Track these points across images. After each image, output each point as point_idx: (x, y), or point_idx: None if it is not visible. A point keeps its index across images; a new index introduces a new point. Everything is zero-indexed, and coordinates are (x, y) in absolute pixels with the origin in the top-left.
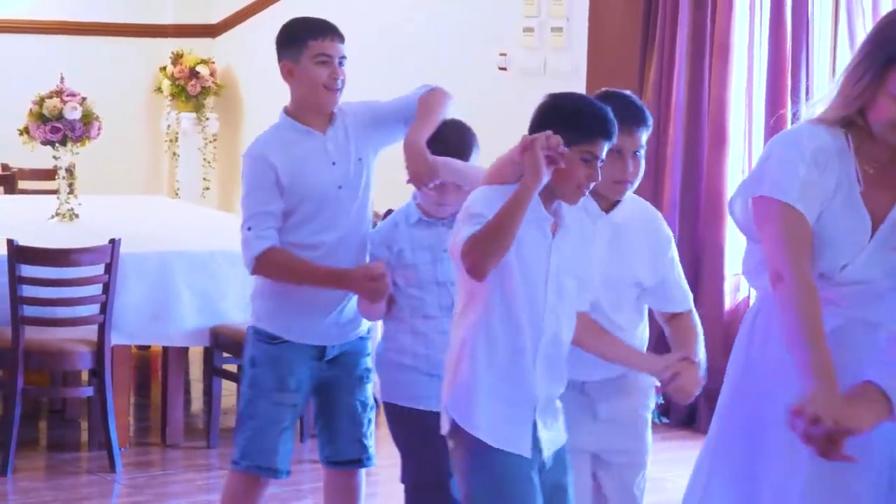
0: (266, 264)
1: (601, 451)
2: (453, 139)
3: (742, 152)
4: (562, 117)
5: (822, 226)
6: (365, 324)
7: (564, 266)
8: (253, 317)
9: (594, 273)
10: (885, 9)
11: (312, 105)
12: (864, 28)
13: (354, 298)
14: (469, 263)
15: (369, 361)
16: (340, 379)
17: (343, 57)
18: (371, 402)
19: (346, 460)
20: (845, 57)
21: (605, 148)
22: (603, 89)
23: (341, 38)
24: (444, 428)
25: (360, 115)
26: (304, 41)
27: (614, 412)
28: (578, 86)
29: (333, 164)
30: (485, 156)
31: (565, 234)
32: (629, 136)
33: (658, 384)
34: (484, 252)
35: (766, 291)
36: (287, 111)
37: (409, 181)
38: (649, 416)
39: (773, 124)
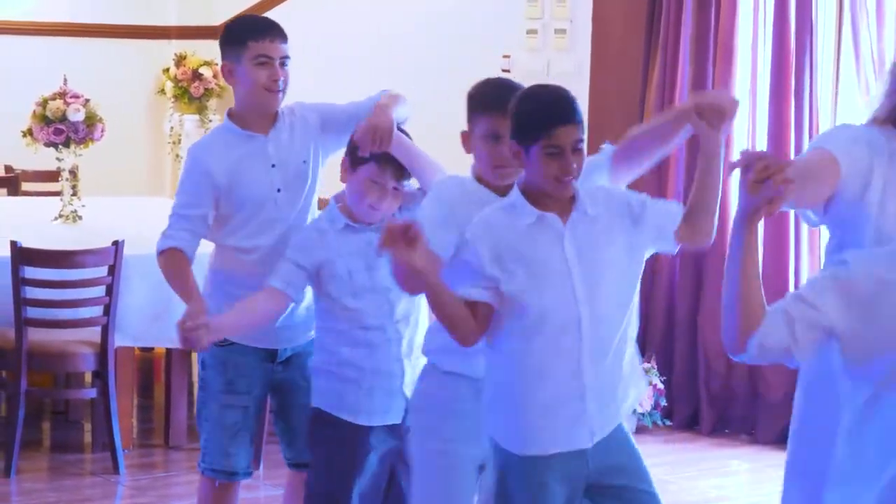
0: (162, 263)
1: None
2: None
3: None
4: (515, 121)
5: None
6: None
7: (589, 247)
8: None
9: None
10: (889, 10)
11: (254, 107)
12: (868, 29)
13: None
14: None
15: None
16: (295, 380)
17: (285, 57)
18: None
19: (307, 462)
20: (849, 58)
21: (573, 133)
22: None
23: (283, 37)
24: None
25: (309, 116)
26: (244, 42)
27: None
28: (582, 87)
29: (273, 166)
30: None
31: (581, 218)
32: (505, 119)
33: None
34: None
35: None
36: (230, 114)
37: (358, 136)
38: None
39: (776, 126)
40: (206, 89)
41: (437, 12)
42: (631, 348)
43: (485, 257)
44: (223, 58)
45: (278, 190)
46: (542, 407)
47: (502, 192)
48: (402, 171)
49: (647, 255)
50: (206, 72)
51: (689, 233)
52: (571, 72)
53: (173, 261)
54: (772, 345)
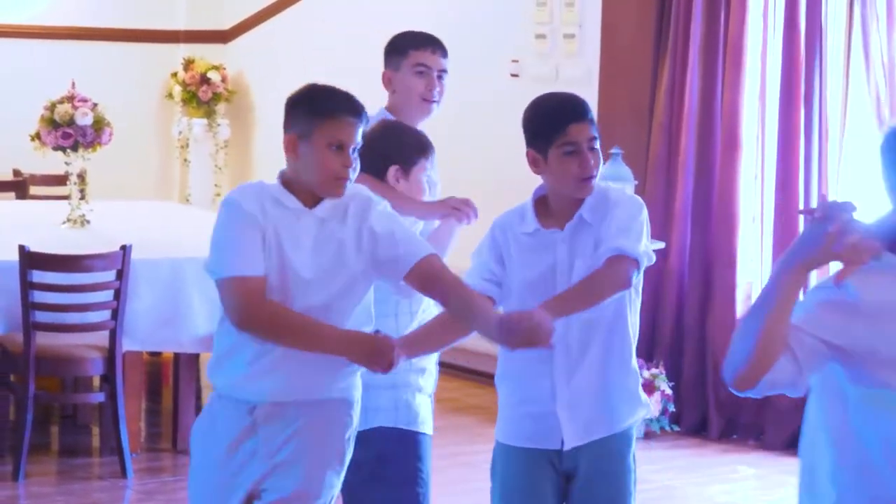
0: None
1: None
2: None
3: (755, 159)
4: (529, 126)
5: None
6: None
7: (580, 255)
8: None
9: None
10: None
11: (406, 113)
12: (878, 34)
13: None
14: None
15: None
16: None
17: (444, 70)
18: None
19: None
20: (859, 63)
21: (587, 129)
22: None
23: (444, 52)
24: None
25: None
26: (406, 50)
27: None
28: (591, 92)
29: None
30: (497, 161)
31: (579, 225)
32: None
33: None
34: None
35: None
36: (387, 108)
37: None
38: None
39: (785, 132)
40: (214, 93)
41: (445, 17)
42: (623, 366)
43: (493, 252)
44: (385, 66)
45: None
46: (516, 403)
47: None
48: None
49: None
50: (214, 76)
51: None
52: (580, 77)
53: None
54: (781, 380)
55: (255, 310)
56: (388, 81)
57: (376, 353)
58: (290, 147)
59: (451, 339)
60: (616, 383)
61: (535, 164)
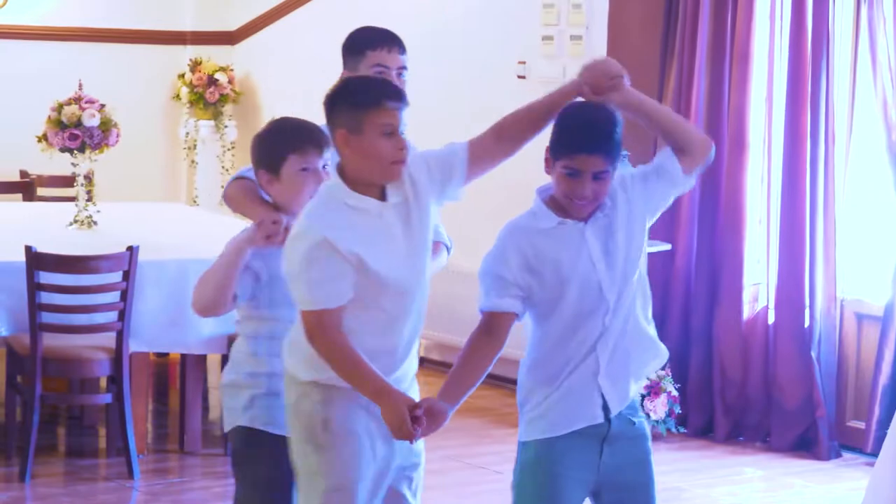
0: None
1: None
2: (266, 151)
3: (762, 160)
4: (553, 131)
5: None
6: None
7: (612, 243)
8: None
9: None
10: None
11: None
12: (885, 35)
13: None
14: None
15: None
16: None
17: (402, 67)
18: None
19: None
20: (866, 64)
21: (596, 162)
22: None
23: (401, 48)
24: None
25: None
26: (363, 50)
27: None
28: None
29: None
30: (506, 163)
31: (602, 215)
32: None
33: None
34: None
35: None
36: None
37: None
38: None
39: (792, 133)
40: (221, 95)
41: (452, 18)
42: (647, 320)
43: (514, 263)
44: (343, 66)
45: None
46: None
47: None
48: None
49: (665, 207)
50: (221, 77)
51: (688, 160)
52: None
53: None
54: None
55: (318, 341)
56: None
57: (399, 429)
58: (343, 143)
59: (487, 365)
60: (644, 340)
61: (546, 164)
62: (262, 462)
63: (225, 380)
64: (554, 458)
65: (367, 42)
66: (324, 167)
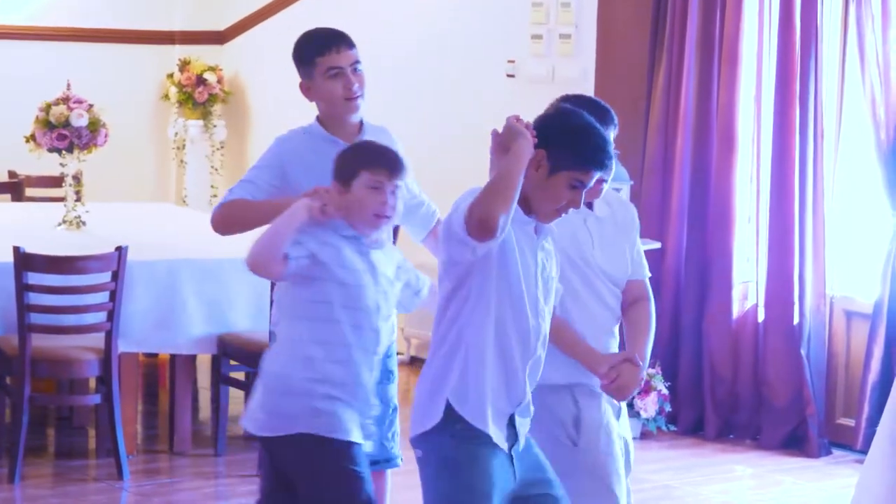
0: (227, 207)
1: None
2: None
3: (751, 158)
4: (561, 138)
5: None
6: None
7: (549, 266)
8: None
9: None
10: (894, 15)
11: (336, 117)
12: (873, 33)
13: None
14: (476, 219)
15: (391, 363)
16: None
17: (356, 62)
18: (395, 402)
19: (376, 461)
20: (854, 63)
21: (595, 178)
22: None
23: (349, 44)
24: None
25: None
26: (312, 59)
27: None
28: (587, 92)
29: None
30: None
31: (547, 235)
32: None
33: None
34: (491, 201)
35: None
36: (318, 119)
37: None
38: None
39: (780, 131)
40: (210, 94)
41: (442, 18)
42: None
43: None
44: (300, 77)
45: None
46: None
47: None
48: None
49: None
50: (210, 77)
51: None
52: (576, 77)
53: (243, 203)
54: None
55: None
56: (307, 91)
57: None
58: None
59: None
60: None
61: (536, 165)
62: (325, 468)
63: (274, 384)
64: None
65: (314, 49)
66: (393, 192)
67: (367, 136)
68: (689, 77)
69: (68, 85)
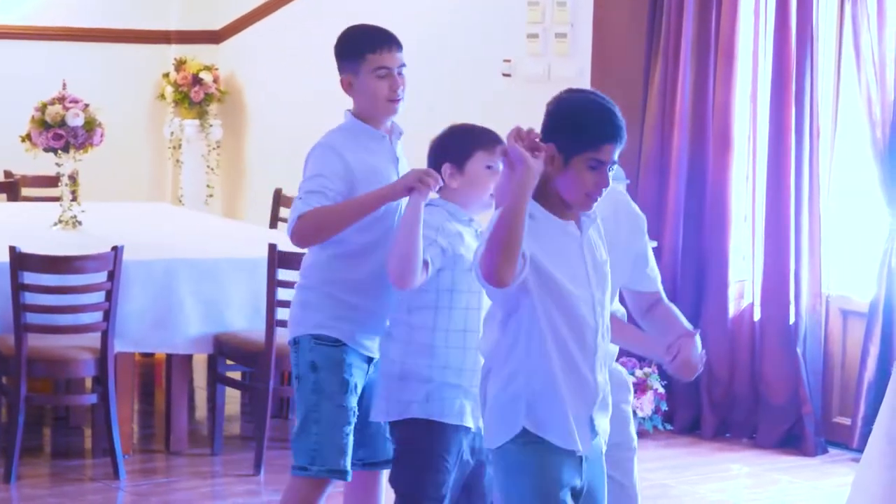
0: (306, 223)
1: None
2: (489, 131)
3: (747, 157)
4: (564, 123)
5: None
6: None
7: (598, 254)
8: (308, 324)
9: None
10: (889, 14)
11: (374, 116)
12: (869, 32)
13: None
14: (484, 271)
15: None
16: (377, 380)
17: (402, 65)
18: None
19: (384, 460)
20: (850, 61)
21: (616, 150)
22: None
23: (399, 46)
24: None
25: None
26: (362, 54)
27: None
28: None
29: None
30: None
31: (593, 222)
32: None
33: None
34: (496, 259)
35: None
36: (354, 115)
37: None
38: (629, 409)
39: (777, 131)
40: (206, 94)
41: (438, 17)
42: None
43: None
44: (341, 71)
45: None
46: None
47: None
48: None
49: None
50: (206, 76)
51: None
52: (572, 76)
53: (323, 208)
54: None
55: None
56: (348, 86)
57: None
58: None
59: None
60: None
61: (550, 160)
62: (433, 450)
63: (396, 369)
64: None
65: (366, 44)
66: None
67: (402, 129)
68: (685, 76)
69: (64, 84)
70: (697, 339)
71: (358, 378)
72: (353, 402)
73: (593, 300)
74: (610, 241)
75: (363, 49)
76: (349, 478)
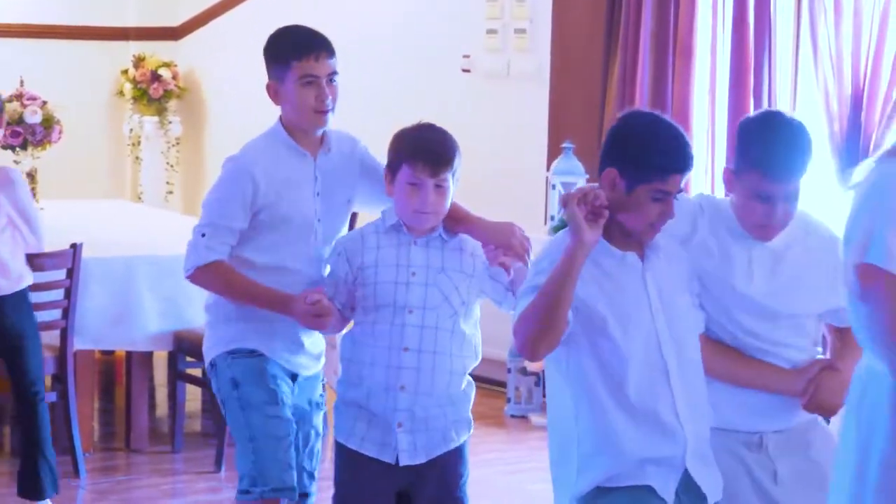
0: (207, 275)
1: None
2: (435, 144)
3: (706, 151)
4: (628, 150)
5: None
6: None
7: (668, 286)
8: (220, 343)
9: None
10: (846, 9)
11: (301, 127)
12: (826, 26)
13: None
14: (519, 343)
15: (322, 388)
16: (301, 403)
17: (333, 73)
18: (321, 430)
19: (299, 493)
20: (808, 55)
21: (683, 179)
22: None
23: (330, 52)
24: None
25: (354, 160)
26: (287, 61)
27: (798, 470)
28: (542, 87)
29: (317, 194)
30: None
31: (657, 254)
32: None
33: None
34: (532, 332)
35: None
36: (282, 122)
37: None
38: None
39: (735, 125)
40: (165, 91)
41: (397, 13)
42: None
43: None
44: (269, 77)
45: (319, 220)
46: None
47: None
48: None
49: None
50: (165, 73)
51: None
52: (532, 72)
53: (224, 269)
54: None
55: None
56: (274, 94)
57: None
58: None
59: None
60: None
61: (611, 186)
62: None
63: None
64: None
65: (292, 51)
66: (437, 186)
67: (332, 145)
68: (643, 71)
69: (21, 82)
70: (845, 374)
71: (285, 390)
72: (286, 412)
73: (658, 339)
74: (799, 265)
75: (288, 56)
76: (296, 495)
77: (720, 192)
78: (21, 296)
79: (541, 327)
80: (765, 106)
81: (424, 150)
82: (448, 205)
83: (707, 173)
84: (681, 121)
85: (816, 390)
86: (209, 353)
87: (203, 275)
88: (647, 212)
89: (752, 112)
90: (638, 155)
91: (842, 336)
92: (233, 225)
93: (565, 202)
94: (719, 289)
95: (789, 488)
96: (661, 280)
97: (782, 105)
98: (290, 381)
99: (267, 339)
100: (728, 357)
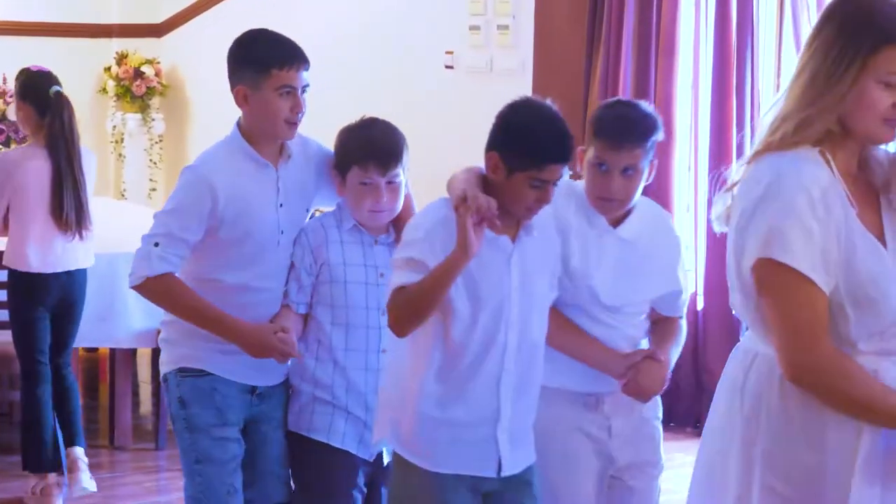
0: (158, 286)
1: (619, 470)
2: (382, 142)
3: (689, 148)
4: (509, 138)
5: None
6: None
7: (532, 268)
8: (172, 360)
9: (597, 286)
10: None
11: (266, 135)
12: (809, 22)
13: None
14: (390, 321)
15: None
16: (269, 412)
17: (307, 85)
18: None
19: (276, 502)
20: (790, 53)
21: (561, 170)
22: (615, 98)
23: (307, 65)
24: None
25: (312, 161)
26: (268, 68)
27: (630, 426)
28: (525, 83)
29: (280, 206)
30: (433, 153)
31: (530, 234)
32: (614, 151)
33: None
34: (404, 317)
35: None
36: (241, 129)
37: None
38: (660, 426)
39: (718, 122)
40: (148, 88)
41: (380, 8)
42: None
43: (436, 253)
44: (238, 80)
45: (282, 232)
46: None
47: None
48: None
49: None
50: (147, 70)
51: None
52: (514, 68)
53: (176, 284)
54: None
55: None
56: (243, 99)
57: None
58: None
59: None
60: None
61: (493, 169)
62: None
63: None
64: None
65: (274, 58)
66: (389, 183)
67: (291, 151)
68: (626, 67)
69: (4, 79)
70: (664, 365)
71: (236, 409)
72: (234, 433)
73: (507, 318)
74: (642, 256)
75: (270, 63)
76: None
77: (703, 189)
78: (87, 272)
79: (414, 315)
80: (748, 103)
81: (372, 149)
82: (402, 199)
83: (690, 170)
84: (664, 116)
85: (637, 375)
86: (163, 368)
87: (153, 285)
88: (525, 197)
89: (734, 111)
90: (519, 143)
91: (665, 325)
92: (188, 237)
93: (457, 208)
94: (571, 272)
95: (622, 441)
96: (527, 262)
97: (766, 103)
98: (247, 396)
99: (220, 358)
100: (566, 332)
